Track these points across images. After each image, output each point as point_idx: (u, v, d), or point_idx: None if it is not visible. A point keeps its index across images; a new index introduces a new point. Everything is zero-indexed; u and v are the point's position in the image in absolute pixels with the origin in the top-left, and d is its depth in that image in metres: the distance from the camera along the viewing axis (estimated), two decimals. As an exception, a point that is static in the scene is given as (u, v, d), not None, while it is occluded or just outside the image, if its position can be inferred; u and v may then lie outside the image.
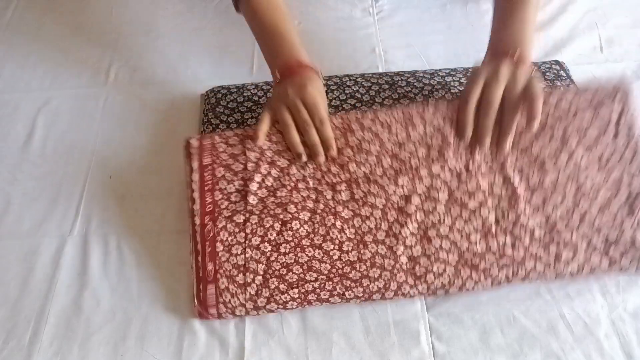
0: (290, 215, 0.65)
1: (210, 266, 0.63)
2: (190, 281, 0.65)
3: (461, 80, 0.79)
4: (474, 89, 0.66)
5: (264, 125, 0.67)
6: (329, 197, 0.66)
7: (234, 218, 0.65)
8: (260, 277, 0.63)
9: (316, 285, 0.62)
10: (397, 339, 0.61)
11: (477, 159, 0.66)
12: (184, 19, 0.96)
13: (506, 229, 0.63)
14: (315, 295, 0.62)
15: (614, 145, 0.64)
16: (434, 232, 0.63)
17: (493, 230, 0.63)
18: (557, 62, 0.82)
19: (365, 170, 0.66)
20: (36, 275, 0.68)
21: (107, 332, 0.63)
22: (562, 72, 0.80)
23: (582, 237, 0.62)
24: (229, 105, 0.79)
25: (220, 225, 0.65)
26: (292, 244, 0.64)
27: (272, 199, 0.66)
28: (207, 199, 0.66)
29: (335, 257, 0.63)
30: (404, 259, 0.63)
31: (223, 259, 0.63)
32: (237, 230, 0.64)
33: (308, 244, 0.64)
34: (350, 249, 0.63)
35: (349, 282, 0.62)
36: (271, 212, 0.65)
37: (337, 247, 0.64)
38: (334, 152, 0.66)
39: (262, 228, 0.64)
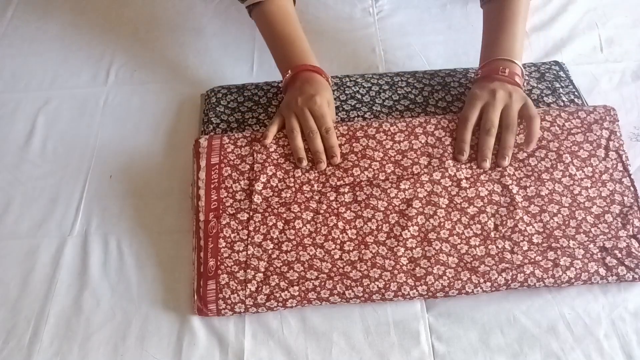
0: (294, 215, 0.65)
1: (211, 262, 0.63)
2: (190, 280, 0.66)
3: (461, 81, 0.79)
4: (473, 112, 0.69)
5: (273, 128, 0.70)
6: (332, 198, 0.66)
7: (238, 216, 0.65)
8: (261, 274, 0.63)
9: (316, 283, 0.62)
10: (397, 339, 0.61)
11: (477, 169, 0.67)
12: (184, 19, 0.96)
13: (505, 235, 0.64)
14: (316, 294, 0.62)
15: (603, 165, 0.67)
16: (434, 235, 0.64)
17: (492, 235, 0.64)
18: (556, 63, 0.82)
19: (369, 174, 0.67)
20: (36, 275, 0.68)
21: (107, 332, 0.63)
22: (561, 73, 0.80)
23: (579, 245, 0.63)
24: (229, 105, 0.79)
25: (223, 222, 0.65)
26: (294, 243, 0.64)
27: (276, 198, 0.66)
28: (212, 197, 0.67)
29: (337, 257, 0.63)
30: (404, 260, 0.63)
31: (225, 255, 0.64)
32: (240, 227, 0.65)
33: (310, 242, 0.64)
34: (351, 249, 0.64)
35: (349, 281, 0.62)
36: (275, 211, 0.65)
37: (338, 246, 0.64)
38: (337, 160, 0.68)
39: (265, 226, 0.65)
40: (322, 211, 0.66)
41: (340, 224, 0.65)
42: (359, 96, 0.79)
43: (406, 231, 0.64)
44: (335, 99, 0.78)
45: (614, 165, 0.67)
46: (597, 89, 0.80)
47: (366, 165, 0.68)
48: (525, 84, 0.75)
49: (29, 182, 0.76)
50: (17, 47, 0.94)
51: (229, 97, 0.80)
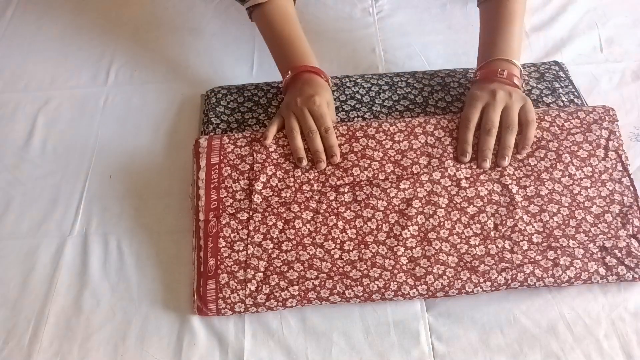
0: (293, 214, 0.65)
1: (211, 261, 0.63)
2: (190, 280, 0.66)
3: (460, 81, 0.79)
4: (473, 113, 0.69)
5: (273, 128, 0.70)
6: (332, 198, 0.66)
7: (238, 215, 0.65)
8: (261, 274, 0.63)
9: (316, 283, 0.62)
10: (397, 339, 0.62)
11: (477, 169, 0.67)
12: (184, 19, 0.96)
13: (504, 234, 0.64)
14: (315, 294, 0.62)
15: (603, 165, 0.67)
16: (434, 234, 0.64)
17: (492, 235, 0.64)
18: (556, 63, 0.82)
19: (368, 174, 0.67)
20: (36, 275, 0.68)
21: (107, 332, 0.63)
22: (561, 73, 0.80)
23: (578, 244, 0.63)
24: (229, 106, 0.79)
25: (223, 222, 0.65)
26: (294, 242, 0.64)
27: (276, 198, 0.66)
28: (212, 196, 0.67)
29: (336, 256, 0.63)
30: (404, 260, 0.63)
31: (225, 254, 0.64)
32: (240, 227, 0.65)
33: (310, 242, 0.64)
34: (351, 248, 0.64)
35: (349, 280, 0.62)
36: (274, 210, 0.66)
37: (338, 246, 0.64)
38: (336, 159, 0.68)
39: (264, 226, 0.65)
40: (322, 211, 0.66)
41: (340, 223, 0.65)
42: (359, 96, 0.79)
43: (406, 231, 0.64)
44: (335, 99, 0.78)
45: (614, 165, 0.67)
46: (597, 89, 0.80)
47: (366, 165, 0.68)
48: (524, 84, 0.75)
49: (29, 182, 0.76)
50: (17, 47, 0.94)
51: (229, 98, 0.80)
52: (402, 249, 0.63)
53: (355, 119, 0.76)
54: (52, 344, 0.63)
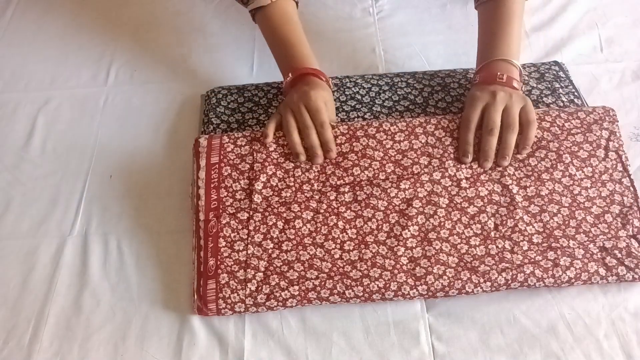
0: (294, 214, 0.65)
1: (211, 261, 0.63)
2: (190, 280, 0.66)
3: (460, 82, 0.79)
4: (474, 113, 0.69)
5: (272, 126, 0.70)
6: (332, 198, 0.66)
7: (238, 215, 0.65)
8: (261, 274, 0.63)
9: (317, 283, 0.62)
10: (397, 339, 0.62)
11: (477, 169, 0.67)
12: (184, 19, 0.96)
13: (505, 235, 0.64)
14: (316, 294, 0.62)
15: (603, 165, 0.67)
16: (434, 234, 0.64)
17: (492, 235, 0.64)
18: (556, 63, 0.82)
19: (369, 174, 0.67)
20: (36, 275, 0.68)
21: (107, 332, 0.63)
22: (561, 73, 0.80)
23: (579, 245, 0.63)
24: (229, 106, 0.79)
25: (223, 222, 0.65)
26: (294, 242, 0.64)
27: (276, 198, 0.66)
28: (212, 196, 0.67)
29: (337, 256, 0.63)
30: (404, 260, 0.63)
31: (225, 254, 0.64)
32: (240, 227, 0.65)
33: (310, 242, 0.64)
34: (351, 248, 0.64)
35: (349, 281, 0.62)
36: (275, 210, 0.66)
37: (338, 246, 0.64)
38: (333, 154, 0.68)
39: (265, 225, 0.65)
40: (322, 211, 0.66)
41: (340, 223, 0.65)
42: (359, 97, 0.79)
43: (406, 231, 0.64)
44: (335, 99, 0.78)
45: (614, 166, 0.67)
46: (597, 89, 0.80)
47: (366, 165, 0.68)
48: (523, 86, 0.75)
49: (29, 182, 0.76)
50: (17, 47, 0.94)
51: (229, 98, 0.80)
52: (403, 249, 0.63)
53: (356, 119, 0.76)
54: (52, 344, 0.63)
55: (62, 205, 0.74)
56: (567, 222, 0.64)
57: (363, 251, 0.64)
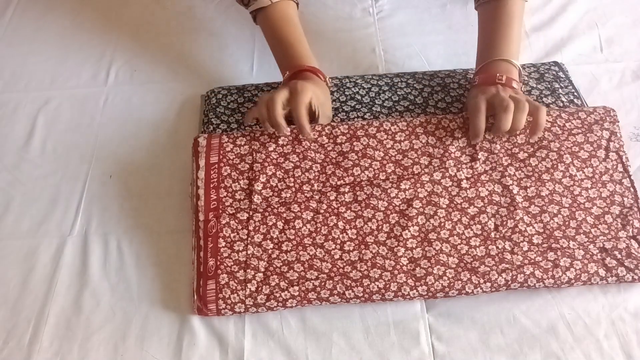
0: (294, 214, 0.65)
1: (211, 262, 0.63)
2: (190, 280, 0.66)
3: (460, 82, 0.79)
4: (482, 103, 0.67)
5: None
6: (332, 198, 0.66)
7: (238, 215, 0.65)
8: (261, 274, 0.63)
9: (317, 283, 0.62)
10: (397, 339, 0.62)
11: (478, 169, 0.67)
12: (184, 19, 0.96)
13: (505, 235, 0.64)
14: (316, 294, 0.62)
15: (604, 166, 0.67)
16: (434, 235, 0.64)
17: (492, 236, 0.64)
18: (556, 63, 0.82)
19: (369, 174, 0.67)
20: (36, 275, 0.68)
21: (107, 332, 0.63)
22: (560, 74, 0.80)
23: (579, 245, 0.63)
24: (229, 106, 0.79)
25: (223, 222, 0.65)
26: (294, 242, 0.64)
27: (276, 198, 0.66)
28: (211, 196, 0.67)
29: (337, 257, 0.63)
30: (404, 261, 0.63)
31: (225, 255, 0.64)
32: (239, 227, 0.65)
33: (310, 242, 0.64)
34: (351, 249, 0.64)
35: (349, 281, 0.62)
36: (274, 210, 0.66)
37: (338, 246, 0.64)
38: (306, 131, 0.67)
39: (264, 226, 0.65)
40: (322, 211, 0.66)
41: (340, 223, 0.65)
42: (359, 97, 0.79)
43: (406, 231, 0.64)
44: (335, 100, 0.78)
45: (614, 166, 0.67)
46: (597, 89, 0.80)
47: (367, 165, 0.68)
48: (523, 86, 0.75)
49: (29, 182, 0.76)
50: (17, 47, 0.94)
51: (229, 98, 0.80)
52: (403, 249, 0.63)
53: (355, 119, 0.76)
54: (52, 344, 0.63)
55: (62, 205, 0.74)
56: (567, 223, 0.64)
57: (363, 252, 0.63)
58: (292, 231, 0.65)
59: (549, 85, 0.78)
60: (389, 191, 0.66)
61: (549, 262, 0.62)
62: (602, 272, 0.62)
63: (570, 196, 0.66)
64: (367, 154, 0.69)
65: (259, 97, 0.70)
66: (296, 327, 0.63)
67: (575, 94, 0.77)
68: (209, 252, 0.64)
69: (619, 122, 0.70)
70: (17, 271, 0.68)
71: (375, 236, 0.64)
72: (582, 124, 0.69)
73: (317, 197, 0.67)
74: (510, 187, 0.66)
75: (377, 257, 0.63)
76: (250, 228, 0.65)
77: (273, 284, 0.62)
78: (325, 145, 0.69)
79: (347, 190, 0.67)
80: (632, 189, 0.66)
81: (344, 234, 0.64)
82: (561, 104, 0.76)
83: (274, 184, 0.67)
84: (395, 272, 0.62)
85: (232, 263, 0.63)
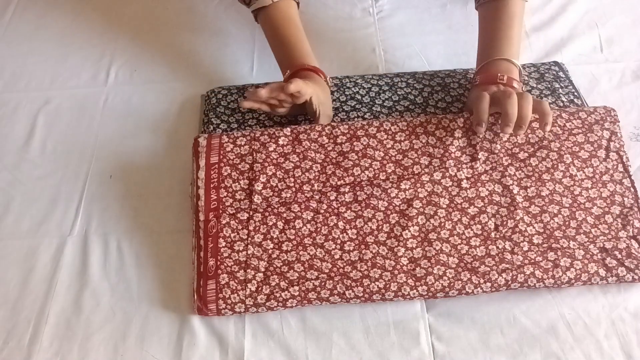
0: (294, 215, 0.65)
1: (211, 262, 0.63)
2: (190, 280, 0.66)
3: (460, 82, 0.79)
4: (485, 94, 0.66)
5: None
6: (332, 198, 0.66)
7: (238, 215, 0.65)
8: (261, 274, 0.63)
9: (317, 283, 0.62)
10: (397, 339, 0.62)
11: (478, 169, 0.67)
12: (184, 19, 0.96)
13: (505, 235, 0.64)
14: (316, 294, 0.62)
15: (604, 166, 0.67)
16: (434, 235, 0.64)
17: (492, 236, 0.64)
18: (556, 63, 0.82)
19: (369, 174, 0.67)
20: (36, 275, 0.68)
21: (107, 332, 0.63)
22: (560, 74, 0.80)
23: (579, 245, 0.63)
24: (229, 106, 0.79)
25: (223, 222, 0.65)
26: (294, 242, 0.64)
27: (276, 198, 0.66)
28: (212, 196, 0.67)
29: (337, 257, 0.63)
30: (404, 261, 0.63)
31: (225, 255, 0.64)
32: (240, 227, 0.65)
33: (310, 242, 0.64)
34: (351, 249, 0.64)
35: (349, 281, 0.62)
36: (275, 210, 0.66)
37: (338, 246, 0.64)
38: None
39: (265, 226, 0.65)
40: (322, 211, 0.66)
41: (340, 223, 0.65)
42: (359, 97, 0.79)
43: (407, 231, 0.64)
44: (335, 100, 0.78)
45: (615, 166, 0.67)
46: (597, 89, 0.80)
47: (367, 165, 0.68)
48: (523, 87, 0.75)
49: (29, 182, 0.76)
50: (17, 47, 0.94)
51: (229, 98, 0.80)
52: (403, 249, 0.63)
53: (355, 119, 0.76)
54: (52, 344, 0.63)
55: (62, 205, 0.74)
56: (567, 223, 0.64)
57: (363, 252, 0.63)
58: (292, 231, 0.65)
59: (549, 85, 0.78)
60: (389, 191, 0.66)
61: (549, 262, 0.62)
62: (602, 272, 0.62)
63: (570, 196, 0.66)
64: (367, 154, 0.69)
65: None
66: (296, 327, 0.63)
67: (576, 93, 0.77)
68: (209, 252, 0.64)
69: (619, 122, 0.70)
70: (17, 271, 0.68)
71: (375, 236, 0.64)
72: (582, 124, 0.69)
73: (317, 197, 0.67)
74: (511, 187, 0.66)
75: (377, 257, 0.63)
76: (251, 228, 0.65)
77: (273, 284, 0.62)
78: (326, 145, 0.69)
79: (347, 190, 0.67)
80: (632, 189, 0.66)
81: (344, 234, 0.64)
82: (561, 104, 0.76)
83: (274, 184, 0.67)
84: (396, 272, 0.62)
85: (233, 263, 0.63)
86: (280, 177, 0.68)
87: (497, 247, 0.63)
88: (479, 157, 0.68)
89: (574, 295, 0.63)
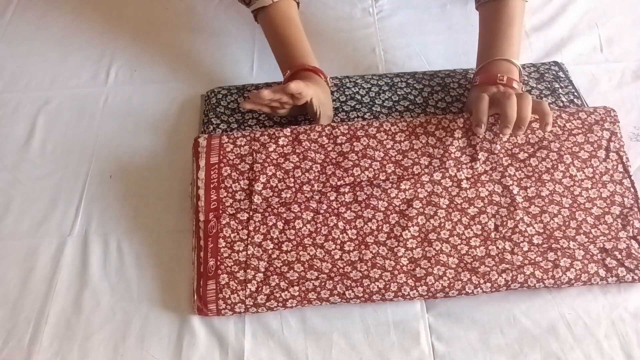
0: (294, 215, 0.65)
1: (211, 262, 0.63)
2: (190, 280, 0.66)
3: (460, 82, 0.79)
4: (484, 95, 0.66)
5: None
6: (332, 198, 0.66)
7: (238, 215, 0.65)
8: (261, 274, 0.63)
9: (317, 283, 0.62)
10: (397, 339, 0.62)
11: (478, 169, 0.67)
12: (184, 19, 0.96)
13: (505, 236, 0.64)
14: (316, 294, 0.62)
15: (604, 166, 0.67)
16: (434, 235, 0.64)
17: (492, 236, 0.64)
18: (556, 63, 0.82)
19: (369, 174, 0.67)
20: (36, 275, 0.68)
21: (107, 332, 0.63)
22: (560, 74, 0.80)
23: (579, 246, 0.63)
24: (229, 106, 0.79)
25: (223, 222, 0.65)
26: (294, 243, 0.64)
27: (276, 199, 0.66)
28: (212, 196, 0.67)
29: (337, 257, 0.63)
30: (404, 261, 0.63)
31: (225, 255, 0.64)
32: (240, 227, 0.65)
33: (310, 242, 0.64)
34: (351, 249, 0.64)
35: (349, 281, 0.62)
36: (275, 211, 0.66)
37: (338, 247, 0.64)
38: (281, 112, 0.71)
39: (265, 226, 0.65)
40: (322, 211, 0.66)
41: (340, 224, 0.65)
42: (359, 97, 0.79)
43: (406, 231, 0.64)
44: (335, 100, 0.78)
45: (615, 167, 0.67)
46: (597, 89, 0.80)
47: (367, 165, 0.68)
48: (523, 87, 0.75)
49: (29, 182, 0.76)
50: (17, 47, 0.94)
51: (229, 98, 0.80)
52: (403, 249, 0.63)
53: (355, 119, 0.76)
54: (52, 344, 0.63)
55: (62, 205, 0.74)
56: (567, 223, 0.64)
57: (363, 252, 0.63)
58: (292, 231, 0.65)
59: (549, 85, 0.78)
60: (389, 191, 0.66)
61: (549, 262, 0.62)
62: (602, 272, 0.62)
63: (570, 196, 0.66)
64: (367, 154, 0.69)
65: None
66: (296, 327, 0.63)
67: (575, 94, 0.77)
68: (209, 252, 0.64)
69: (619, 122, 0.70)
70: (17, 271, 0.68)
71: (375, 236, 0.64)
72: (582, 124, 0.69)
73: (317, 197, 0.67)
74: (511, 188, 0.66)
75: (377, 257, 0.63)
76: (251, 228, 0.65)
77: (273, 284, 0.62)
78: (325, 146, 0.69)
79: (347, 190, 0.67)
80: (632, 189, 0.66)
81: (344, 234, 0.64)
82: (561, 104, 0.76)
83: (274, 184, 0.67)
84: (396, 272, 0.62)
85: (232, 263, 0.63)
86: (280, 177, 0.68)
87: (497, 248, 0.63)
88: (479, 157, 0.68)
89: (574, 296, 0.63)
